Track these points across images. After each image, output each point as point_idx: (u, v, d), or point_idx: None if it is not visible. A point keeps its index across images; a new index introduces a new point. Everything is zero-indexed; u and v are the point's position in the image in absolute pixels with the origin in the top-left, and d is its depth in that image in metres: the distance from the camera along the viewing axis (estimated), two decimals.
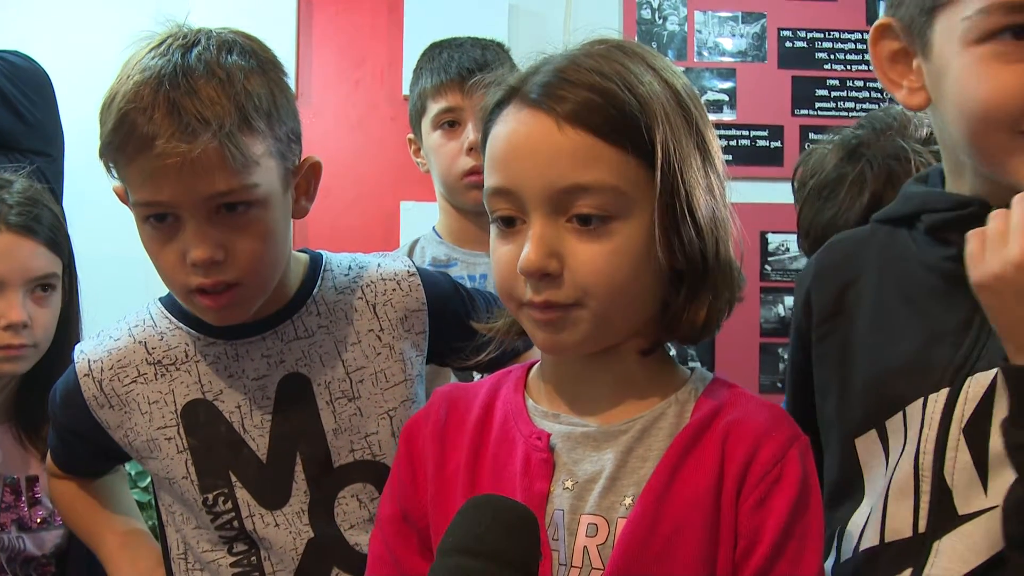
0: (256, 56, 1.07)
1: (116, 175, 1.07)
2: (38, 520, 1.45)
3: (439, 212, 1.79)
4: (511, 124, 0.87)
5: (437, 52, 1.72)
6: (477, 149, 1.61)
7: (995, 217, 0.86)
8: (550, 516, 0.88)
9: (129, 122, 0.99)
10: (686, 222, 0.85)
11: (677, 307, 0.88)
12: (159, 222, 1.04)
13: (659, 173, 0.84)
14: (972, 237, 0.87)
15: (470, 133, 1.64)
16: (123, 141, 1.00)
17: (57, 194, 2.53)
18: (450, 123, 1.68)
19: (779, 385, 3.03)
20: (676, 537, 0.84)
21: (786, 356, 3.14)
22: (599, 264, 0.84)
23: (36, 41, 2.72)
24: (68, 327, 1.50)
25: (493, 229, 0.90)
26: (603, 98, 0.84)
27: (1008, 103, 0.85)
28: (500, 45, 1.76)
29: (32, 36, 2.78)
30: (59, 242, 1.48)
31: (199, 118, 0.98)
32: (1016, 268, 0.82)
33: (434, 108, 1.68)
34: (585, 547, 0.86)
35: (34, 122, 2.43)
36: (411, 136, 1.80)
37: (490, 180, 0.88)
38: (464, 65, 1.66)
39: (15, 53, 2.46)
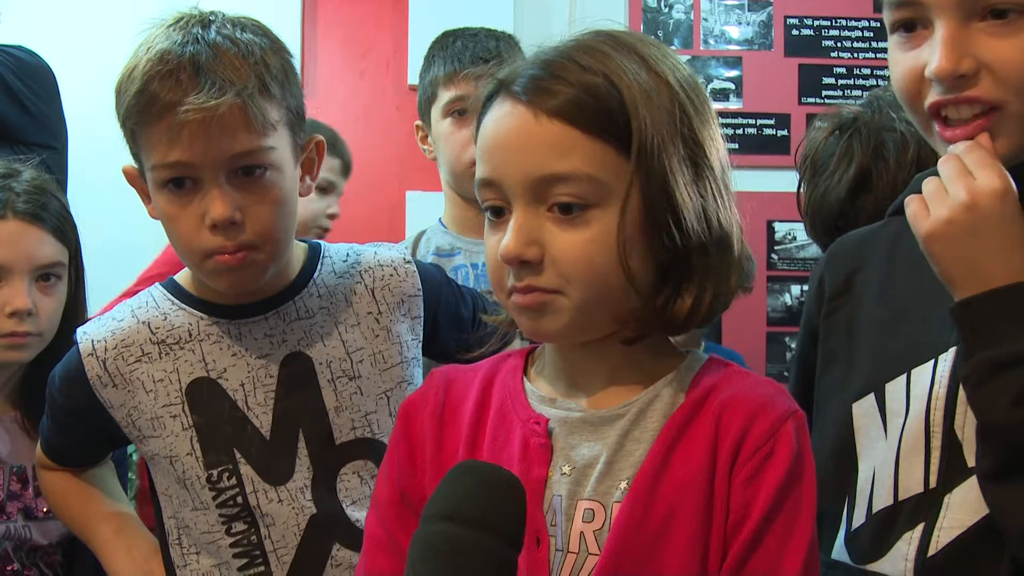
0: (267, 36, 1.13)
1: (136, 144, 1.10)
2: (44, 509, 1.45)
3: (445, 201, 1.79)
4: (495, 116, 0.88)
5: (451, 41, 1.72)
6: None
7: (929, 181, 0.92)
8: (548, 501, 0.88)
9: (155, 85, 1.04)
10: (664, 214, 0.85)
11: (660, 299, 0.88)
12: (177, 188, 1.07)
13: (633, 163, 0.84)
14: (911, 201, 0.93)
15: None
16: (148, 103, 1.04)
17: (61, 182, 2.55)
18: (460, 112, 1.67)
19: (786, 374, 3.03)
20: (671, 518, 0.84)
21: (793, 345, 3.15)
22: (578, 251, 0.84)
23: (39, 35, 2.73)
24: (74, 318, 1.50)
25: (486, 220, 0.91)
26: (584, 92, 0.84)
27: (904, 85, 0.93)
28: (512, 37, 1.76)
29: (35, 30, 2.79)
30: (66, 232, 1.48)
31: (224, 79, 1.03)
32: (964, 208, 0.88)
33: (445, 96, 1.68)
34: (582, 532, 0.86)
35: (39, 115, 2.44)
36: (419, 123, 1.79)
37: (478, 171, 0.90)
38: (478, 55, 1.66)
39: (19, 48, 2.47)
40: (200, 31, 1.07)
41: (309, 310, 1.19)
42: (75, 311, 1.51)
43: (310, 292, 1.19)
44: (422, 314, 1.23)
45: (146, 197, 1.14)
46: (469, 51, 1.67)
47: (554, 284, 0.85)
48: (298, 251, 1.22)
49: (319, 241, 1.26)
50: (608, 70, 0.85)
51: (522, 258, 0.85)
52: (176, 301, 1.19)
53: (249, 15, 1.15)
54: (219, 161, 1.05)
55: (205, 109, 1.02)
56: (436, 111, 1.71)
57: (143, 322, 1.18)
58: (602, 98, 0.84)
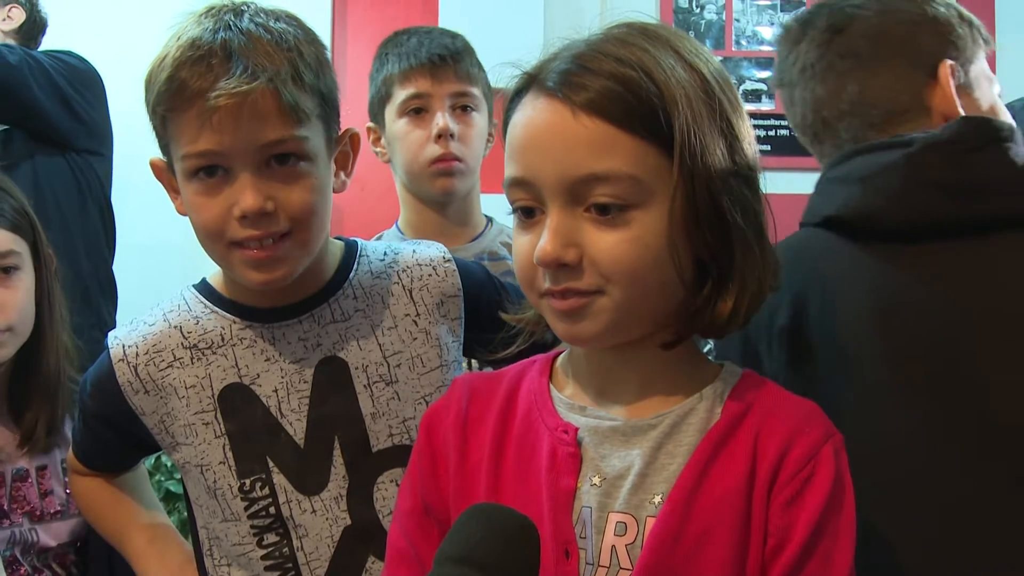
0: (301, 27, 1.11)
1: (165, 133, 1.07)
2: (52, 511, 1.43)
3: (401, 205, 1.74)
4: (528, 113, 0.85)
5: (405, 38, 1.68)
6: (446, 136, 1.60)
7: None
8: (577, 513, 0.86)
9: (186, 71, 1.01)
10: (708, 211, 0.83)
11: (701, 299, 0.85)
12: (208, 176, 1.04)
13: (677, 161, 0.81)
14: None
15: (439, 120, 1.60)
16: (179, 89, 1.02)
17: (106, 187, 2.59)
18: (417, 110, 1.63)
19: None
20: (706, 537, 0.82)
21: None
22: (619, 252, 0.82)
23: (80, 34, 2.75)
24: (45, 313, 1.46)
25: (514, 220, 0.89)
26: (620, 86, 0.81)
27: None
28: (465, 38, 1.71)
29: (76, 29, 2.81)
30: (20, 224, 1.44)
31: (257, 64, 1.01)
32: None
33: (401, 94, 1.64)
34: (613, 546, 0.84)
35: (89, 122, 2.49)
36: (370, 125, 1.74)
37: (509, 170, 0.87)
38: (434, 51, 1.62)
39: (69, 54, 2.51)
40: (232, 18, 1.05)
41: (345, 312, 1.15)
42: (45, 307, 1.46)
43: (345, 293, 1.16)
44: (462, 315, 1.20)
45: (173, 192, 1.12)
46: (425, 47, 1.63)
47: (595, 285, 0.83)
48: (334, 250, 1.19)
49: (356, 240, 1.23)
50: (644, 64, 0.82)
51: (560, 261, 0.82)
52: (208, 304, 1.16)
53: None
54: (250, 149, 1.02)
55: (236, 94, 0.99)
56: (391, 111, 1.66)
57: (175, 326, 1.15)
58: (640, 93, 0.81)
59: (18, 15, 2.59)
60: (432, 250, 1.23)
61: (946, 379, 1.00)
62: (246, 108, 1.00)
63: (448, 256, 1.22)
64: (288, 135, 1.04)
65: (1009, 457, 0.98)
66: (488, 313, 1.17)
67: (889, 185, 1.02)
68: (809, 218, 1.13)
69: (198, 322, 1.15)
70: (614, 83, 0.81)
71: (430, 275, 1.19)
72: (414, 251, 1.22)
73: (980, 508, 0.98)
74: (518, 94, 0.88)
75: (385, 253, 1.21)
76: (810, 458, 0.83)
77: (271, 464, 1.12)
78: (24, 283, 1.43)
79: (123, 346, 1.15)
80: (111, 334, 1.18)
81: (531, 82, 0.87)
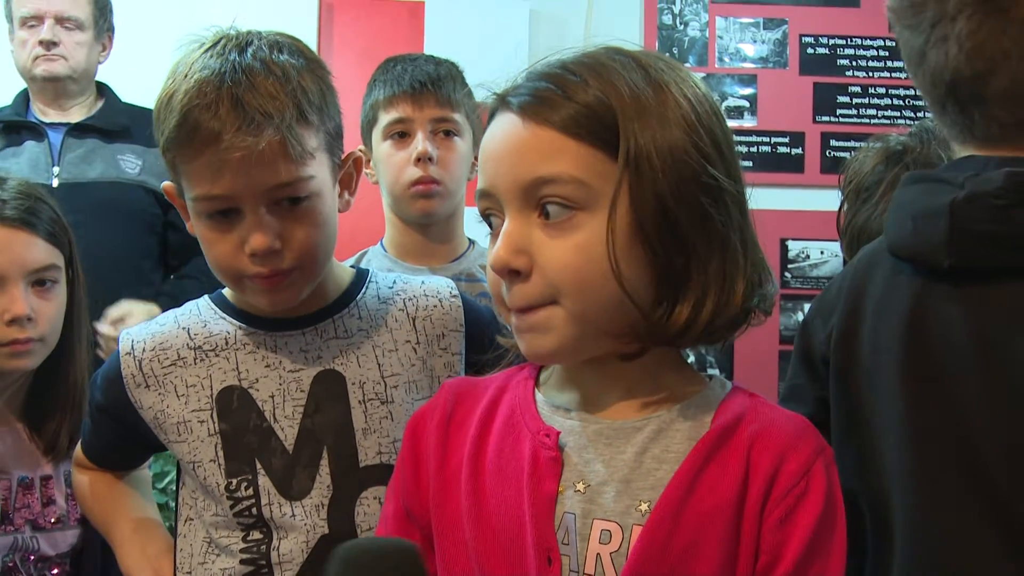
0: (304, 55, 1.13)
1: (176, 172, 1.11)
2: (52, 520, 1.45)
3: (387, 225, 1.81)
4: (491, 130, 0.89)
5: (392, 65, 1.76)
6: (425, 160, 1.66)
7: None
8: (559, 518, 0.86)
9: (194, 118, 1.04)
10: (655, 219, 0.82)
11: (660, 310, 0.85)
12: (222, 217, 1.08)
13: (621, 166, 0.82)
14: None
15: (419, 143, 1.67)
16: (188, 137, 1.05)
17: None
18: (400, 134, 1.70)
19: None
20: (694, 548, 0.81)
21: None
22: (566, 259, 0.83)
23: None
24: (73, 323, 1.50)
25: (489, 234, 0.90)
26: (565, 93, 0.84)
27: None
28: (454, 64, 1.78)
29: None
30: (58, 236, 1.47)
31: (262, 112, 1.04)
32: None
33: (385, 119, 1.71)
34: (598, 554, 0.84)
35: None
36: (361, 148, 1.80)
37: (478, 184, 0.90)
38: (417, 77, 1.70)
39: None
40: (236, 57, 1.07)
41: (348, 330, 1.19)
42: (74, 317, 1.50)
43: (351, 313, 1.20)
44: (463, 351, 1.22)
45: (187, 215, 1.16)
46: (408, 74, 1.71)
47: (544, 294, 0.84)
48: (344, 273, 1.24)
49: (368, 268, 1.28)
50: (600, 77, 0.84)
51: (510, 267, 0.84)
52: (218, 311, 1.21)
53: (263, 29, 1.14)
54: (259, 193, 1.06)
55: (244, 147, 1.02)
56: (377, 134, 1.73)
57: (183, 327, 1.20)
58: (587, 101, 0.83)
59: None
60: (440, 283, 1.26)
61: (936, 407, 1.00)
62: (253, 157, 1.03)
63: (455, 292, 1.25)
64: (294, 177, 1.07)
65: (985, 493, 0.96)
66: (487, 348, 1.20)
67: (936, 232, 0.98)
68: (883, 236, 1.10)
69: (205, 325, 1.20)
70: (572, 100, 0.83)
71: (435, 306, 1.22)
72: (423, 282, 1.26)
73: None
74: (492, 114, 0.90)
75: (394, 282, 1.25)
76: (803, 474, 0.83)
77: (258, 466, 1.14)
78: (59, 297, 1.48)
79: (132, 341, 1.20)
80: (124, 331, 1.23)
81: (499, 101, 0.89)
